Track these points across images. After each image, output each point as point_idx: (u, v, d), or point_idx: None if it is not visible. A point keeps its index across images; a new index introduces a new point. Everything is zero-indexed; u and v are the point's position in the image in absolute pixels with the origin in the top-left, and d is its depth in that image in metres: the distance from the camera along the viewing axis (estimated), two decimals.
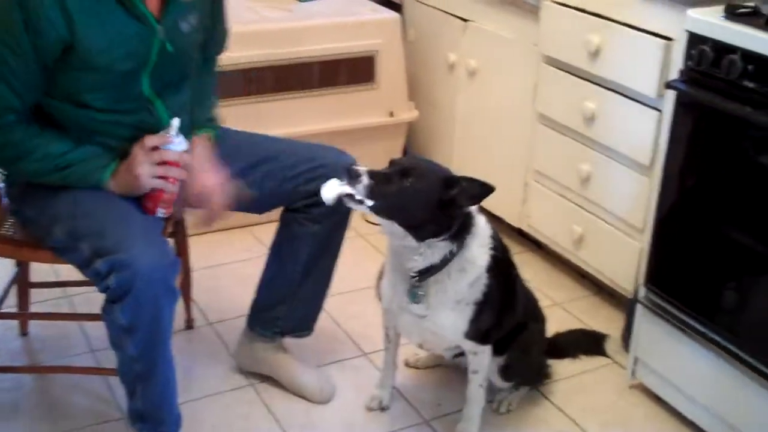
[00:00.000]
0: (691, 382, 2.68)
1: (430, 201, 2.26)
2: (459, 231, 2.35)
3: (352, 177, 2.17)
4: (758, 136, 2.35)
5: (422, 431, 2.73)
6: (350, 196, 2.18)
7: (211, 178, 2.41)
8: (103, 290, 2.17)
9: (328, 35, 3.79)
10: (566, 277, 3.61)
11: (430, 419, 2.78)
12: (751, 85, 2.33)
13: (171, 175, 2.32)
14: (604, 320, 3.33)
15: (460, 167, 3.98)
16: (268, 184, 2.60)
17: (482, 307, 2.45)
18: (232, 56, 3.40)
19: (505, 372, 2.70)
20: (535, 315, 2.82)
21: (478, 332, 2.50)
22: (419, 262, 2.34)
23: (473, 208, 2.39)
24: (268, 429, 2.72)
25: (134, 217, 2.27)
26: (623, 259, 3.17)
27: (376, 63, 3.91)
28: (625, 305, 3.29)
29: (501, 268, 2.51)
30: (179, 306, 3.04)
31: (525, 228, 3.67)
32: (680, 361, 2.71)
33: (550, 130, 3.41)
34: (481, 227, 2.44)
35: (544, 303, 3.33)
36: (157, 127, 2.33)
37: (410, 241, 2.30)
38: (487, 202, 3.90)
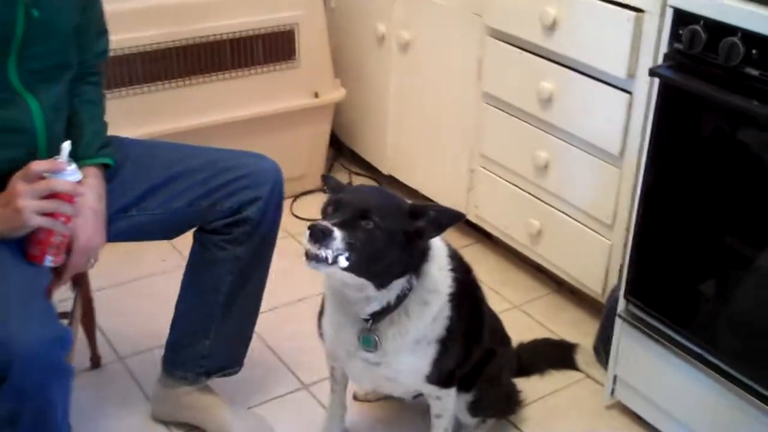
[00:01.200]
0: (678, 402, 2.38)
1: (396, 240, 1.87)
2: (416, 259, 1.95)
3: (323, 236, 1.77)
4: (763, 132, 1.99)
5: None
6: (321, 259, 1.78)
7: (88, 229, 1.98)
8: None
9: (240, 8, 3.29)
10: (521, 272, 3.25)
11: None
12: (755, 72, 1.96)
13: (62, 212, 1.86)
14: (569, 323, 2.99)
15: (396, 152, 3.57)
16: (176, 204, 2.18)
17: (446, 344, 2.07)
18: (130, 36, 2.92)
19: (474, 408, 2.34)
20: (501, 338, 2.45)
21: (441, 374, 2.12)
22: (373, 306, 1.93)
23: None
24: None
25: (9, 275, 1.80)
26: (590, 258, 2.83)
27: (296, 37, 3.43)
28: (592, 306, 2.96)
29: (465, 292, 2.13)
30: (82, 342, 2.63)
31: (472, 218, 3.29)
32: (665, 380, 2.39)
33: (500, 111, 3.01)
34: (437, 247, 2.04)
35: (499, 306, 3.00)
36: (28, 132, 1.90)
37: (370, 290, 1.89)
38: (429, 189, 3.59)
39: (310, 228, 1.76)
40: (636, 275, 2.38)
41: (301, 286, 3.04)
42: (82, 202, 1.95)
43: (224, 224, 2.23)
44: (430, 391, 2.18)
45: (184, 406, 2.43)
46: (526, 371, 2.70)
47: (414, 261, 1.93)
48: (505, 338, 2.48)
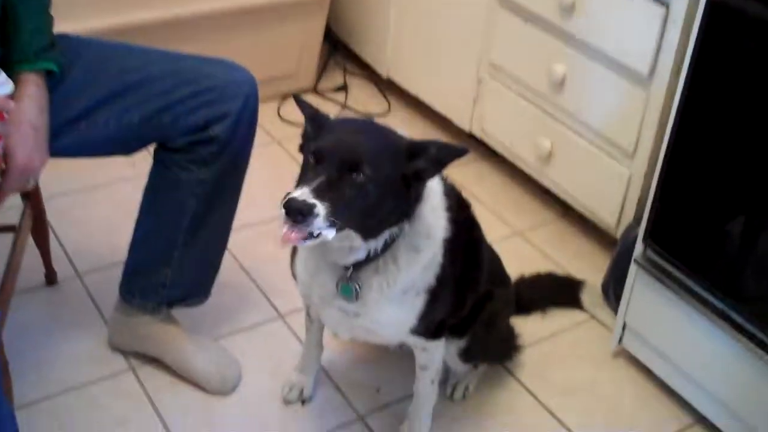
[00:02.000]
0: (692, 357, 2.14)
1: (393, 188, 1.58)
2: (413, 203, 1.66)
3: (303, 215, 1.45)
4: None
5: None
6: (302, 239, 1.49)
7: (27, 148, 1.70)
8: None
9: None
10: (526, 194, 2.96)
11: (365, 414, 2.16)
12: None
13: None
14: (575, 254, 2.72)
15: (396, 53, 3.23)
16: (131, 118, 1.89)
17: (436, 294, 1.80)
18: None
19: (466, 355, 2.08)
20: (500, 278, 2.19)
21: (428, 326, 1.86)
22: (357, 255, 1.65)
23: None
24: (150, 428, 2.07)
25: None
26: (604, 187, 2.54)
27: None
28: (602, 237, 2.69)
29: (462, 234, 1.84)
30: (36, 257, 2.37)
31: (477, 133, 2.99)
32: (680, 333, 2.15)
33: (515, 16, 2.67)
34: (431, 184, 1.74)
35: (499, 231, 2.73)
36: None
37: (356, 241, 1.61)
38: (430, 97, 3.26)
39: (285, 206, 1.45)
40: (658, 217, 2.10)
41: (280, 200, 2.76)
42: (18, 116, 1.67)
43: (188, 142, 1.94)
44: (416, 342, 1.92)
45: (142, 336, 2.18)
46: (525, 309, 2.45)
47: (410, 206, 1.64)
48: (503, 278, 2.21)
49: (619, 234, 2.55)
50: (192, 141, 1.93)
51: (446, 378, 2.20)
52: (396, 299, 1.75)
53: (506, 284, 2.20)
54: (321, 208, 1.46)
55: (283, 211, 1.45)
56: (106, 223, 2.65)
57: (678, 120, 1.97)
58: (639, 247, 2.17)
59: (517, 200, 2.93)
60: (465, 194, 1.92)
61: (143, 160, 2.16)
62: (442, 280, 1.78)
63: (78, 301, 2.39)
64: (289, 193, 1.47)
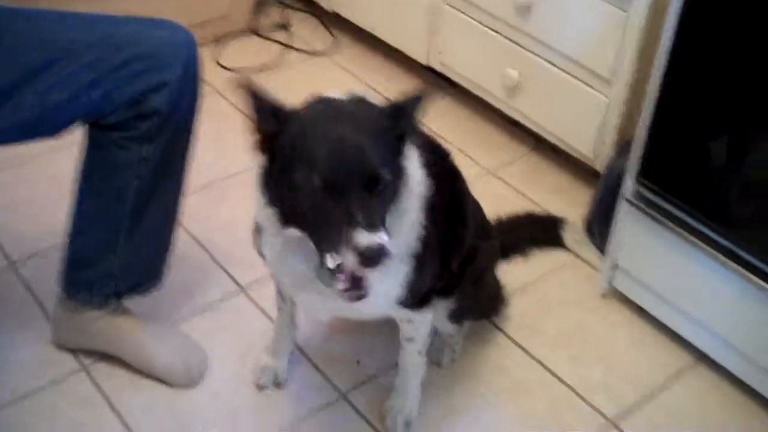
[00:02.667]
0: (690, 295, 2.01)
1: (397, 165, 1.42)
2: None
3: (376, 256, 1.30)
4: None
5: (338, 413, 1.93)
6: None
7: None
8: None
9: None
10: (494, 129, 2.76)
11: (347, 391, 1.97)
12: None
13: None
14: (552, 189, 2.54)
15: None
16: (57, 97, 1.65)
17: (421, 258, 1.60)
18: None
19: (455, 315, 1.91)
20: (485, 230, 2.00)
21: (415, 295, 1.67)
22: None
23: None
24: None
25: None
26: (580, 116, 2.38)
27: None
28: (579, 168, 2.52)
29: (443, 188, 1.64)
30: None
31: (437, 66, 2.77)
32: (677, 271, 2.01)
33: None
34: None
35: (469, 171, 2.51)
36: None
37: None
38: (382, 31, 3.00)
39: (363, 259, 1.29)
40: (652, 152, 1.92)
41: (231, 158, 2.54)
42: None
43: (124, 118, 1.70)
44: (401, 315, 1.74)
45: (92, 333, 1.96)
46: (505, 253, 2.26)
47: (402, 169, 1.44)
48: (487, 229, 2.02)
49: (598, 165, 2.37)
50: (129, 116, 1.69)
51: (431, 343, 2.02)
52: (380, 271, 1.55)
53: (490, 236, 2.01)
54: (384, 236, 1.30)
55: (356, 260, 1.28)
56: (37, 202, 2.39)
57: (674, 45, 1.77)
58: (629, 184, 1.99)
59: (484, 136, 2.73)
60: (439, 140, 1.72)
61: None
62: (426, 242, 1.58)
63: (15, 295, 2.15)
64: (332, 250, 1.33)
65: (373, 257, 1.28)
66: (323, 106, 1.40)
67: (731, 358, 1.95)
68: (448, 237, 1.70)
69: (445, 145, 1.78)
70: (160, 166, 1.78)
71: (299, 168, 1.33)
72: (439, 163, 1.67)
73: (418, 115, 1.41)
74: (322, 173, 1.30)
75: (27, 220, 2.34)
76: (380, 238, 1.29)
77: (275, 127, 1.37)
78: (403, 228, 1.52)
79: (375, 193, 1.33)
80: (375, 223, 1.29)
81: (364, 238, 1.27)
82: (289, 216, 1.42)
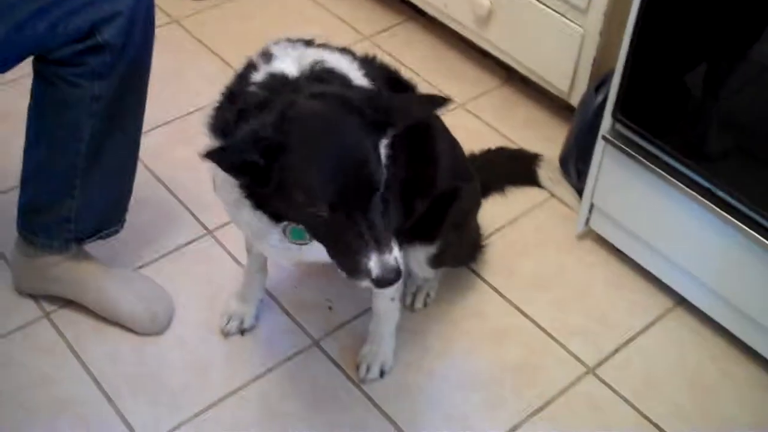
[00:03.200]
0: (669, 237, 1.97)
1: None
2: None
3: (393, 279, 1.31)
4: None
5: (311, 360, 1.88)
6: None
7: None
8: None
9: None
10: (464, 60, 2.67)
11: (320, 338, 1.93)
12: None
13: None
14: (525, 123, 2.48)
15: None
16: (2, 29, 1.52)
17: (386, 202, 1.52)
18: None
19: (437, 260, 1.87)
20: (466, 171, 1.93)
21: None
22: None
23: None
24: (77, 384, 1.80)
25: None
26: (554, 47, 2.31)
27: None
28: (552, 102, 2.47)
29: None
30: None
31: None
32: (655, 212, 1.97)
33: None
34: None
35: None
36: None
37: None
38: None
39: (380, 282, 1.30)
40: (629, 87, 1.85)
41: (194, 91, 2.43)
42: None
43: (73, 52, 1.60)
44: None
45: (52, 278, 1.89)
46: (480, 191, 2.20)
47: None
48: (467, 171, 1.95)
49: (573, 100, 2.31)
50: (78, 51, 1.59)
51: (404, 286, 1.98)
52: None
53: (471, 178, 1.94)
54: (395, 249, 1.31)
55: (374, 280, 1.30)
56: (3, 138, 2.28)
57: None
58: (606, 121, 1.93)
59: (453, 68, 2.64)
60: (401, 72, 1.62)
61: None
62: (387, 184, 1.51)
63: None
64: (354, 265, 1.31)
65: (392, 279, 1.29)
66: (305, 122, 1.28)
67: (710, 302, 1.92)
68: (414, 177, 1.63)
69: (411, 77, 1.68)
70: (115, 104, 1.69)
71: (300, 195, 1.28)
72: None
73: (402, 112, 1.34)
74: (327, 200, 1.26)
75: None
76: (392, 258, 1.29)
77: (263, 162, 1.26)
78: None
79: (375, 201, 1.30)
80: (384, 239, 1.28)
81: (377, 267, 1.28)
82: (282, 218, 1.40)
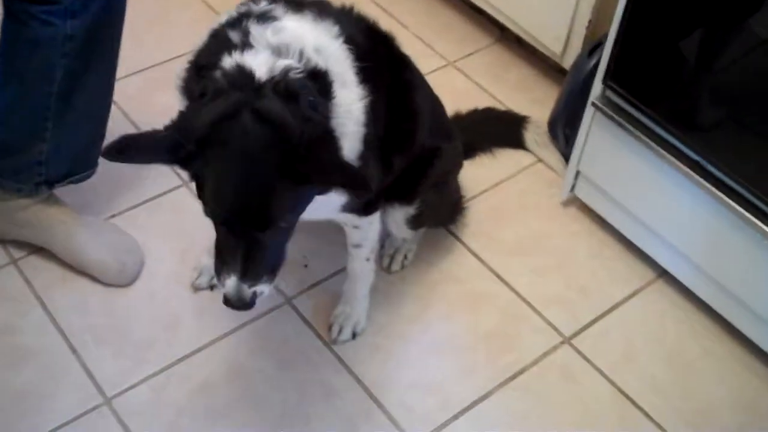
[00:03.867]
0: (654, 208, 1.93)
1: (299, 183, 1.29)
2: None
3: (241, 306, 1.35)
4: None
5: (283, 318, 1.84)
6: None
7: None
8: None
9: None
10: (456, 17, 2.61)
11: (293, 296, 1.88)
12: None
13: None
14: (515, 85, 2.42)
15: None
16: None
17: (365, 160, 1.48)
18: None
19: (416, 221, 1.82)
20: (447, 130, 1.88)
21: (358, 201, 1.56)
22: None
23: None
24: (41, 333, 1.77)
25: None
26: (549, 7, 2.25)
27: None
28: (545, 63, 2.41)
29: (383, 77, 1.52)
30: None
31: None
32: (642, 182, 1.93)
33: None
34: (328, 51, 1.39)
35: (428, 63, 2.40)
36: None
37: None
38: None
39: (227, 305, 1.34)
40: (622, 53, 1.79)
41: (178, 36, 2.36)
42: None
43: None
44: (347, 220, 1.64)
45: (20, 222, 1.84)
46: (464, 152, 2.15)
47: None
48: (448, 130, 1.90)
49: (565, 63, 2.25)
50: None
51: (381, 247, 1.93)
52: None
53: (452, 137, 1.89)
54: (263, 287, 1.33)
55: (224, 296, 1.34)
56: None
57: None
58: (597, 87, 1.88)
59: (445, 23, 2.57)
60: (381, 24, 1.57)
61: None
62: (368, 142, 1.46)
63: None
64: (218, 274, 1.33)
65: (237, 306, 1.32)
66: (231, 141, 1.24)
67: (694, 276, 1.88)
68: (392, 134, 1.58)
69: (398, 30, 1.60)
70: (88, 44, 1.64)
71: (204, 196, 1.29)
72: (380, 51, 1.54)
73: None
74: (213, 213, 1.29)
75: None
76: (248, 292, 1.31)
77: (185, 154, 1.25)
78: (347, 139, 1.40)
79: (268, 235, 1.29)
80: (252, 272, 1.30)
81: (232, 290, 1.31)
82: None
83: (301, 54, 1.32)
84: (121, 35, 1.73)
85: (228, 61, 1.30)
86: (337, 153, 1.31)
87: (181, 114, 1.29)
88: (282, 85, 1.27)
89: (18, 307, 1.80)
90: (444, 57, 2.47)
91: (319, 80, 1.33)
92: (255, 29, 1.34)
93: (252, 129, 1.23)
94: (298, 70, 1.30)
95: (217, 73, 1.29)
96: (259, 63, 1.29)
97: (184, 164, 1.27)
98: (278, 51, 1.31)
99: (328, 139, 1.31)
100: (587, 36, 2.16)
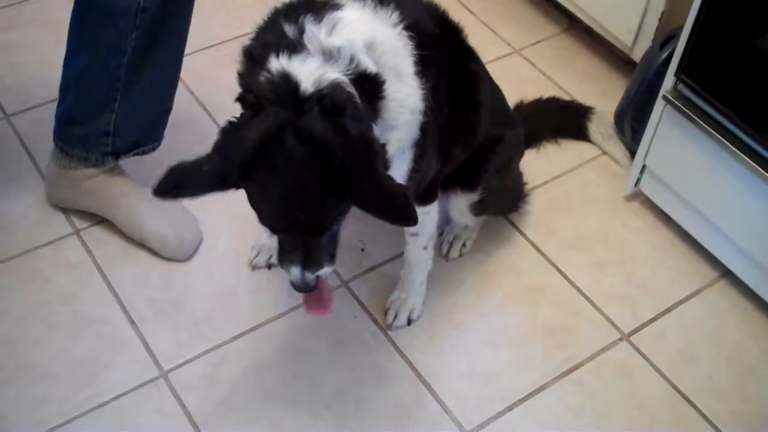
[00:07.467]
0: (722, 206, 1.88)
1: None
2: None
3: (307, 289, 1.42)
4: None
5: (339, 301, 1.84)
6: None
7: None
8: None
9: None
10: (524, 3, 2.58)
11: (349, 279, 1.88)
12: None
13: None
14: (582, 76, 2.39)
15: None
16: None
17: (422, 148, 1.47)
18: None
19: (479, 207, 1.82)
20: (509, 118, 1.86)
21: (417, 189, 1.58)
22: None
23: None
24: (101, 303, 1.79)
25: None
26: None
27: None
28: (614, 55, 2.38)
29: (449, 68, 1.50)
30: None
31: None
32: (710, 179, 1.88)
33: None
34: (386, 46, 1.35)
35: (493, 50, 2.38)
36: None
37: None
38: None
39: (298, 290, 1.43)
40: (697, 46, 1.75)
41: (243, 16, 2.36)
42: None
43: None
44: None
45: (84, 191, 1.86)
46: (525, 142, 2.12)
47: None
48: (510, 117, 1.88)
49: (635, 55, 2.21)
50: None
51: (441, 234, 1.92)
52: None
53: (514, 125, 1.87)
54: (324, 271, 1.40)
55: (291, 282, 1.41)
56: (35, 51, 2.24)
57: None
58: (669, 80, 1.84)
59: (513, 10, 2.54)
60: (450, 14, 1.54)
61: None
62: (425, 130, 1.44)
63: (7, 148, 2.04)
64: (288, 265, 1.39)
65: (302, 290, 1.41)
66: (276, 165, 1.25)
67: (758, 277, 1.84)
68: (453, 125, 1.56)
69: (466, 18, 1.57)
70: (159, 17, 1.64)
71: (256, 210, 1.34)
72: (447, 41, 1.51)
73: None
74: (269, 225, 1.34)
75: (21, 70, 2.20)
76: (312, 278, 1.39)
77: (233, 181, 1.29)
78: (401, 121, 1.38)
79: (321, 237, 1.34)
80: (313, 263, 1.37)
81: (296, 278, 1.38)
82: None
83: (351, 59, 1.28)
84: (192, 11, 1.73)
85: (275, 65, 1.26)
86: (376, 174, 1.26)
87: (224, 134, 1.28)
88: (327, 100, 1.23)
89: (78, 276, 1.82)
90: (510, 44, 2.44)
91: (368, 83, 1.30)
92: (310, 28, 1.29)
93: (295, 151, 1.23)
94: (346, 81, 1.26)
95: (262, 77, 1.26)
96: (306, 74, 1.25)
97: (233, 188, 1.28)
98: (329, 55, 1.27)
99: (370, 156, 1.27)
100: (659, 28, 2.12)
